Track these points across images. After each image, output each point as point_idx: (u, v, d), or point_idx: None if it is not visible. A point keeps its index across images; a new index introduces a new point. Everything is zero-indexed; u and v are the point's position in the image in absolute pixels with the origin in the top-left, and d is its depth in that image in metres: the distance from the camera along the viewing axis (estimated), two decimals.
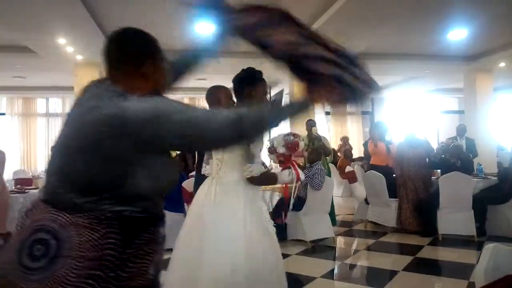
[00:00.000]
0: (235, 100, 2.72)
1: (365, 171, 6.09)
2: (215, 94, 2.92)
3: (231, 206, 1.98)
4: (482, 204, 4.98)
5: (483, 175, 5.68)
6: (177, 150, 1.10)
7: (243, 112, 1.12)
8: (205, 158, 2.34)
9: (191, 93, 11.29)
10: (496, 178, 5.37)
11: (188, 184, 4.37)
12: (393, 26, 5.74)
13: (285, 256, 4.37)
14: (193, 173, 6.97)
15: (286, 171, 2.20)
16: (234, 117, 1.09)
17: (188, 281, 1.94)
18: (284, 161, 2.31)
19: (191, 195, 4.29)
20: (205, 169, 2.31)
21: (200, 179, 2.41)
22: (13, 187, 5.08)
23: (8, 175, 9.57)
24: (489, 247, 1.22)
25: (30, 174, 9.13)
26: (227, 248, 1.89)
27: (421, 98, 12.64)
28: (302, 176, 2.29)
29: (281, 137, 2.33)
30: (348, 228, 5.69)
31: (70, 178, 1.06)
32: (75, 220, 1.02)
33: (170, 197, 4.63)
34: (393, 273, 3.69)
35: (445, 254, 4.45)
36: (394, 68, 8.76)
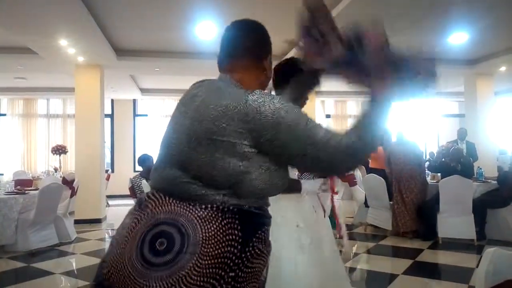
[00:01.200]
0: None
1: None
2: None
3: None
4: (482, 208, 4.98)
5: (483, 179, 5.68)
6: (293, 165, 1.16)
7: (354, 139, 1.06)
8: None
9: None
10: (496, 182, 5.36)
11: None
12: (394, 29, 5.75)
13: None
14: None
15: (319, 180, 2.00)
16: (350, 143, 1.04)
17: None
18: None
19: None
20: None
21: None
22: (13, 188, 5.08)
23: (8, 176, 9.60)
24: (489, 251, 1.22)
25: (30, 175, 9.11)
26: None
27: (422, 101, 12.62)
28: (339, 187, 2.10)
29: None
30: (348, 231, 5.69)
31: (192, 169, 1.03)
32: (200, 214, 0.99)
33: None
34: (393, 277, 3.68)
35: (445, 258, 4.44)
36: None
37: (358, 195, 6.73)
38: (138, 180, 5.18)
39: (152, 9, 5.23)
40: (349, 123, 8.74)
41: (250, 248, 1.02)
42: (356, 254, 4.66)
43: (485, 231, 5.02)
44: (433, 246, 4.81)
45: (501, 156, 9.00)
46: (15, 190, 4.97)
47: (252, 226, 1.04)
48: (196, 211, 0.99)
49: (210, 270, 0.95)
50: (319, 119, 12.27)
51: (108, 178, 8.46)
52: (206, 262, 0.95)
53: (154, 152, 6.15)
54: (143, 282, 0.92)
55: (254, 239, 1.03)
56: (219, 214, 1.00)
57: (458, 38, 6.55)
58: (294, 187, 1.96)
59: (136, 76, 9.15)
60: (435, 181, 5.57)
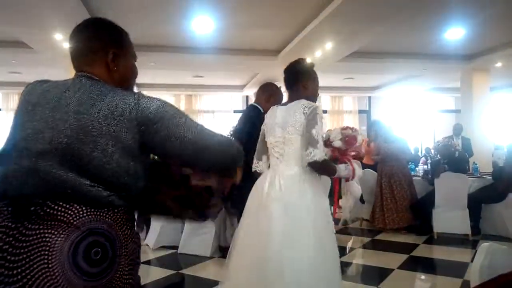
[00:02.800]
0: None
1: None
2: (268, 92, 2.91)
3: (297, 199, 1.93)
4: (477, 203, 5.01)
5: (478, 174, 5.71)
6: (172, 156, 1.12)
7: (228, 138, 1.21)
8: (256, 154, 2.26)
9: (187, 90, 11.27)
10: (491, 177, 5.39)
11: None
12: (391, 25, 5.74)
13: None
14: None
15: (343, 165, 2.09)
16: (222, 140, 1.17)
17: (259, 276, 1.89)
18: (340, 156, 2.18)
19: None
20: (257, 166, 2.23)
21: (250, 176, 2.31)
22: None
23: None
24: (484, 246, 1.23)
25: None
26: (296, 243, 1.85)
27: (418, 97, 12.67)
28: (359, 172, 2.15)
29: (338, 130, 2.24)
30: (343, 226, 5.71)
31: (93, 174, 1.00)
32: (112, 216, 1.00)
33: None
34: (388, 271, 3.70)
35: (440, 253, 4.47)
36: (392, 67, 8.76)
37: (354, 190, 6.74)
38: None
39: (148, 3, 5.20)
40: (345, 119, 8.84)
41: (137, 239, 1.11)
42: (351, 249, 4.69)
43: (480, 226, 5.06)
44: (428, 241, 4.84)
45: (496, 152, 9.03)
46: None
47: (133, 221, 1.10)
48: (113, 216, 1.01)
49: (133, 267, 1.03)
50: None
51: None
52: (128, 261, 1.02)
53: None
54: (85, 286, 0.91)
55: (135, 232, 1.10)
56: (123, 215, 1.04)
57: (455, 33, 6.56)
58: (330, 169, 2.03)
59: None
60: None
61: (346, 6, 4.94)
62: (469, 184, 5.09)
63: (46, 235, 0.90)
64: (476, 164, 6.06)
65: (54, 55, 7.00)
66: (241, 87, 11.28)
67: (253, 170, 2.25)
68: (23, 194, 0.95)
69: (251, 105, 2.92)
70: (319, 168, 1.95)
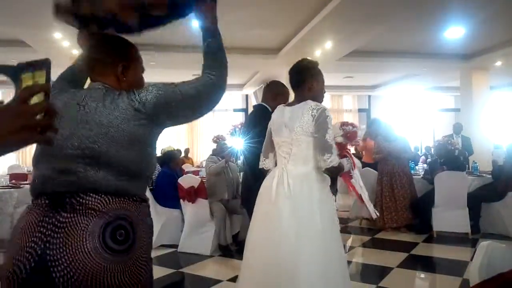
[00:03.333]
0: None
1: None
2: (274, 90, 2.92)
3: (306, 198, 1.95)
4: (476, 201, 5.01)
5: (478, 173, 5.71)
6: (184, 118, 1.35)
7: (207, 72, 1.33)
8: (263, 152, 2.27)
9: None
10: (490, 176, 5.40)
11: (184, 181, 4.37)
12: (391, 24, 5.74)
13: None
14: (190, 169, 6.96)
15: (345, 160, 2.16)
16: (206, 79, 1.31)
17: (272, 275, 1.91)
18: (341, 150, 2.22)
19: (187, 192, 4.30)
20: (264, 163, 2.25)
21: (258, 174, 2.33)
22: (8, 182, 5.06)
23: (3, 170, 9.55)
24: (483, 244, 1.23)
25: (26, 169, 9.07)
26: (304, 240, 1.87)
27: (418, 95, 12.67)
28: (358, 163, 2.33)
29: (338, 126, 2.31)
30: (343, 225, 5.71)
31: (116, 167, 1.17)
32: (130, 204, 1.19)
33: (167, 193, 4.63)
34: (387, 270, 3.71)
35: (439, 251, 4.48)
36: (392, 66, 8.77)
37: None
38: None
39: None
40: (345, 117, 8.85)
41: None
42: (351, 248, 4.69)
43: (479, 224, 5.07)
44: (428, 239, 4.85)
45: (496, 151, 9.04)
46: (10, 184, 4.95)
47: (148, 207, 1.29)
48: (135, 205, 1.20)
49: (149, 249, 1.23)
50: None
51: None
52: (146, 243, 1.21)
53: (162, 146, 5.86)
54: (112, 262, 1.10)
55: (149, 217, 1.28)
56: (140, 203, 1.23)
57: (454, 32, 6.56)
58: (340, 169, 2.08)
59: None
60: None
61: (346, 5, 4.94)
62: (468, 183, 5.10)
63: (80, 220, 1.10)
64: (475, 163, 6.06)
65: (54, 54, 6.99)
66: (241, 85, 11.28)
67: (260, 167, 2.26)
68: (58, 192, 1.14)
69: (259, 104, 2.91)
70: (335, 172, 2.04)
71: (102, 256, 1.08)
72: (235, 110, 12.34)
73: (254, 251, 2.02)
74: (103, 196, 1.14)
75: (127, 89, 1.28)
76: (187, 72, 9.30)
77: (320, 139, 1.95)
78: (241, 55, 7.50)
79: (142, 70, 1.43)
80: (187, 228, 4.44)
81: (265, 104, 2.86)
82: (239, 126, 6.25)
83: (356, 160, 2.28)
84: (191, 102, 1.28)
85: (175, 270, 3.83)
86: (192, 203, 4.30)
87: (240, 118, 12.11)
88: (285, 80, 7.32)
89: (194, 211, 4.36)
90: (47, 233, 1.08)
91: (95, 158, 1.16)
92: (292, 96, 2.25)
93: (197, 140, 12.04)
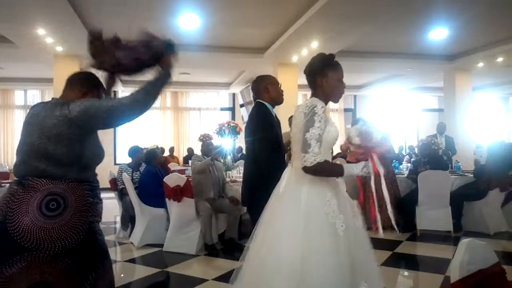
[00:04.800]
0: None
1: None
2: (262, 83, 2.86)
3: (293, 198, 1.88)
4: (459, 200, 5.11)
5: (461, 172, 5.82)
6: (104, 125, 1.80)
7: (137, 93, 1.74)
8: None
9: (174, 88, 11.17)
10: (472, 175, 5.50)
11: (169, 180, 4.34)
12: (376, 24, 5.80)
13: None
14: (177, 168, 6.92)
15: (361, 163, 1.95)
16: (133, 98, 1.72)
17: (256, 273, 1.89)
18: (364, 153, 1.99)
19: (173, 191, 4.27)
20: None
21: (265, 173, 2.35)
22: None
23: None
24: (464, 242, 1.25)
25: (7, 167, 8.89)
26: (284, 243, 1.81)
27: (402, 96, 12.83)
28: (381, 170, 1.96)
29: (355, 127, 2.05)
30: None
31: (55, 158, 1.66)
32: (66, 184, 1.67)
33: (152, 192, 4.59)
34: None
35: (423, 249, 4.55)
36: (377, 66, 8.85)
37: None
38: (124, 170, 5.12)
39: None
40: (330, 117, 8.80)
41: (95, 199, 1.78)
42: None
43: (462, 223, 5.17)
44: (411, 237, 4.92)
45: (478, 150, 9.22)
46: None
47: (94, 188, 1.79)
48: (65, 185, 1.67)
49: (83, 215, 1.68)
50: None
51: None
52: (79, 211, 1.67)
53: (138, 144, 6.01)
54: (44, 225, 1.59)
55: (97, 193, 1.80)
56: (77, 184, 1.70)
57: (438, 33, 6.66)
58: (337, 171, 1.95)
59: None
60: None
61: (332, 5, 4.97)
62: (451, 182, 5.19)
63: (27, 195, 1.63)
64: (458, 162, 6.17)
65: (37, 51, 6.87)
66: (228, 84, 11.25)
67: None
68: (20, 175, 1.69)
69: (257, 101, 2.85)
70: (312, 173, 1.87)
71: (38, 218, 1.59)
72: (222, 109, 12.30)
73: (251, 247, 2.02)
74: (42, 179, 1.65)
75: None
76: (174, 71, 9.27)
77: (302, 137, 1.88)
78: (227, 54, 7.49)
79: (101, 95, 1.89)
80: (172, 227, 4.41)
81: (260, 101, 2.81)
82: (226, 125, 6.23)
83: (380, 167, 1.98)
84: (106, 115, 1.68)
85: (160, 270, 3.81)
86: (178, 202, 4.28)
87: (227, 117, 12.08)
88: None
89: (180, 210, 4.34)
90: (10, 201, 1.63)
91: (39, 153, 1.65)
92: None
93: (184, 139, 11.96)
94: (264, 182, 2.29)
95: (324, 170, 1.91)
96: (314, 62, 2.07)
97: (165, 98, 11.58)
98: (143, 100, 1.75)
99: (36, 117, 1.70)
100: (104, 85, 1.94)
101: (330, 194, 1.90)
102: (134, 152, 5.31)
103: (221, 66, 8.83)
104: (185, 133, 11.94)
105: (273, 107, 2.81)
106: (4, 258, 1.55)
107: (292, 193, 1.92)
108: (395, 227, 2.26)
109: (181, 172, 5.67)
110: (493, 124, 13.28)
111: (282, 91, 2.89)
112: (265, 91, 2.79)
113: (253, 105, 2.87)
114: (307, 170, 1.86)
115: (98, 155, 1.82)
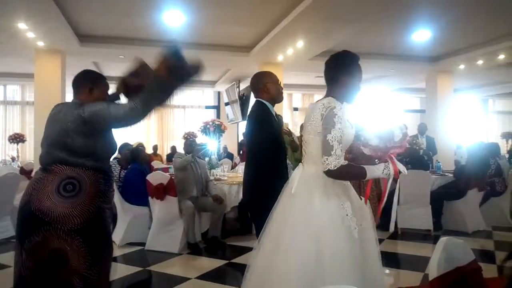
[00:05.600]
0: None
1: None
2: (261, 81, 2.76)
3: (304, 199, 1.85)
4: (439, 199, 5.21)
5: (441, 172, 5.93)
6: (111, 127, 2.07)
7: (136, 102, 1.89)
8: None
9: None
10: (452, 175, 5.61)
11: (152, 178, 4.30)
12: (361, 25, 5.86)
13: (249, 249, 4.39)
14: (161, 166, 6.85)
15: (382, 165, 1.91)
16: (132, 106, 1.88)
17: (265, 270, 1.85)
18: (382, 154, 1.95)
19: (156, 189, 4.24)
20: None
21: (266, 173, 2.33)
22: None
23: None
24: (442, 240, 1.28)
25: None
26: (298, 246, 1.77)
27: (386, 96, 13.01)
28: (403, 169, 1.96)
29: (372, 129, 2.02)
30: None
31: (70, 150, 1.92)
32: (82, 171, 1.92)
33: (135, 190, 4.55)
34: None
35: (403, 248, 4.62)
36: (362, 67, 8.92)
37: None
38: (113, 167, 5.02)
39: None
40: None
41: (108, 188, 2.04)
42: None
43: (442, 221, 5.27)
44: (392, 236, 4.99)
45: (458, 151, 9.42)
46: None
47: (108, 176, 2.05)
48: (82, 171, 1.92)
49: (94, 199, 1.93)
50: (286, 111, 12.36)
51: None
52: (92, 196, 1.92)
53: (121, 140, 5.93)
54: (61, 204, 1.85)
55: (109, 182, 2.06)
56: (93, 172, 1.95)
57: (421, 35, 6.77)
58: (361, 174, 1.90)
59: (99, 63, 8.85)
60: None
61: (317, 5, 5.00)
62: (431, 182, 5.28)
63: (49, 178, 1.90)
64: (439, 162, 6.29)
65: (18, 45, 6.71)
66: (213, 82, 11.21)
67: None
68: (44, 163, 1.96)
69: (259, 102, 2.74)
70: (336, 176, 1.84)
71: (56, 198, 1.85)
72: (207, 107, 12.26)
73: (260, 246, 1.96)
74: (62, 165, 1.92)
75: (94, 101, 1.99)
76: None
77: (322, 139, 1.82)
78: (213, 51, 7.46)
79: (104, 93, 2.14)
80: (155, 225, 4.37)
81: (260, 99, 2.74)
82: (210, 123, 6.21)
83: (402, 168, 1.97)
84: (113, 121, 1.94)
85: (142, 268, 3.77)
86: (161, 200, 4.24)
87: (212, 115, 12.04)
88: None
89: (163, 209, 4.30)
90: (35, 184, 1.92)
91: (60, 144, 1.93)
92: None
93: (168, 137, 11.87)
94: (265, 182, 2.26)
95: (349, 173, 1.89)
96: (343, 58, 2.01)
97: None
98: (142, 111, 1.91)
99: (58, 114, 1.98)
100: (116, 90, 2.20)
101: (344, 198, 1.88)
102: (122, 148, 5.23)
103: (206, 64, 8.63)
104: (169, 131, 11.85)
105: (273, 105, 2.75)
106: (29, 231, 1.85)
107: (305, 196, 1.86)
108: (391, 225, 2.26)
109: (165, 170, 5.62)
110: (473, 125, 13.59)
111: (282, 88, 2.83)
112: (265, 89, 2.71)
113: (253, 104, 2.80)
114: (331, 173, 1.81)
115: (110, 149, 2.09)
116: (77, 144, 1.90)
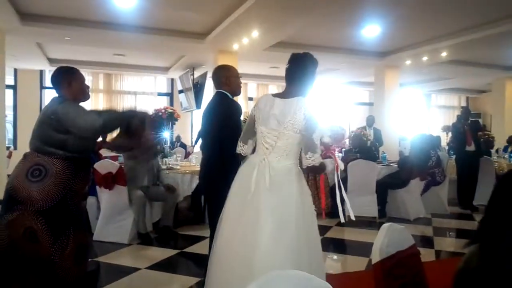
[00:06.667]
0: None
1: None
2: (224, 74, 2.86)
3: (286, 191, 1.99)
4: (384, 188, 5.49)
5: (386, 163, 6.23)
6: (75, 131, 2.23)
7: (103, 117, 2.19)
8: (242, 136, 2.28)
9: (108, 69, 10.61)
10: (397, 165, 5.92)
11: (100, 166, 4.14)
12: (313, 17, 5.95)
13: (202, 238, 4.39)
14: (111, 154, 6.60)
15: (328, 160, 2.20)
16: (97, 120, 2.16)
17: (244, 263, 1.91)
18: (325, 151, 2.27)
19: (104, 178, 4.09)
20: (242, 149, 2.26)
21: (234, 159, 2.36)
22: None
23: None
24: (384, 226, 1.35)
25: None
26: (282, 234, 1.90)
27: (337, 89, 13.37)
28: (341, 165, 2.33)
29: (326, 127, 2.37)
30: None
31: (45, 140, 2.20)
32: (51, 160, 2.17)
33: None
34: None
35: (350, 234, 4.83)
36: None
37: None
38: None
39: None
40: None
41: (78, 179, 2.25)
42: None
43: (386, 209, 5.56)
44: (340, 223, 5.18)
45: (403, 142, 9.92)
46: None
47: (78, 166, 2.26)
48: (51, 159, 2.17)
49: (60, 186, 2.17)
50: (241, 101, 12.35)
51: (9, 156, 7.67)
52: (58, 182, 2.16)
53: None
54: (28, 188, 2.12)
55: (80, 173, 2.27)
56: (62, 160, 2.19)
57: (371, 30, 7.00)
58: (322, 168, 2.17)
59: (43, 44, 8.31)
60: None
61: (256, 9, 5.01)
62: (378, 171, 5.55)
63: (23, 164, 2.19)
64: (384, 153, 6.60)
65: None
66: (166, 69, 10.92)
67: (237, 151, 2.27)
68: (31, 151, 2.24)
69: (221, 93, 2.83)
70: (315, 171, 2.11)
71: (25, 181, 2.12)
72: (159, 94, 11.94)
73: (228, 241, 2.02)
74: (35, 153, 2.19)
75: (73, 97, 2.30)
76: (107, 51, 8.80)
77: (307, 138, 2.02)
78: (166, 37, 7.25)
79: (82, 85, 2.38)
80: (103, 216, 4.23)
81: (222, 90, 2.84)
82: (163, 111, 6.07)
83: (341, 164, 2.34)
84: (78, 129, 2.17)
85: (90, 260, 3.64)
86: (110, 190, 4.11)
87: (165, 102, 11.75)
88: (212, 65, 7.37)
89: (112, 199, 4.17)
90: (15, 169, 2.21)
91: (38, 134, 2.21)
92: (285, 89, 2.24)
93: None
94: (226, 172, 2.32)
95: (323, 168, 2.17)
96: (311, 60, 2.25)
97: (97, 80, 10.96)
98: (101, 132, 2.31)
99: (45, 109, 2.26)
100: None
101: (308, 186, 2.16)
102: None
103: (159, 50, 8.52)
104: None
105: (233, 97, 2.87)
106: (8, 208, 2.13)
107: (284, 187, 2.00)
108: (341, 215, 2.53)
109: (114, 158, 5.43)
110: (417, 119, 14.35)
111: (241, 83, 2.98)
112: (227, 82, 2.83)
113: (214, 94, 2.90)
114: (313, 168, 2.06)
115: (82, 143, 2.25)
116: (51, 136, 2.16)
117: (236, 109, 2.74)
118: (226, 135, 2.57)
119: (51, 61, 9.54)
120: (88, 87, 2.44)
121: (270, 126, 2.07)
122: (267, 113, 2.10)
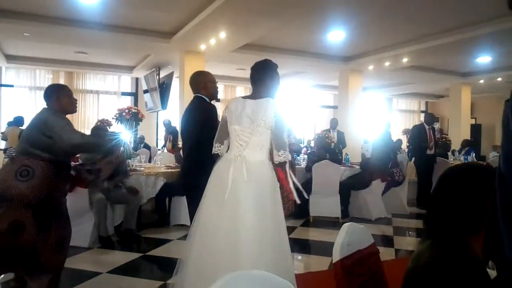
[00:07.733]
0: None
1: None
2: (201, 80, 3.04)
3: (262, 182, 2.16)
4: (347, 189, 5.63)
5: (349, 164, 6.39)
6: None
7: (86, 140, 2.64)
8: (217, 137, 2.41)
9: (69, 67, 10.25)
10: (359, 167, 6.09)
11: None
12: (280, 21, 6.01)
13: (167, 241, 4.33)
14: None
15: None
16: (77, 138, 2.50)
17: (228, 255, 2.03)
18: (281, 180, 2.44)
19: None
20: (219, 149, 2.39)
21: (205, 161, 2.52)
22: None
23: None
24: (345, 226, 1.39)
25: None
26: (258, 223, 2.06)
27: (303, 92, 13.57)
28: (294, 194, 2.52)
29: (292, 128, 2.57)
30: None
31: (32, 143, 2.46)
32: (37, 162, 2.42)
33: None
34: None
35: (314, 234, 4.92)
36: (281, 62, 8.98)
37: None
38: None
39: None
40: None
41: (60, 179, 2.53)
42: None
43: (349, 209, 5.71)
44: (305, 224, 5.28)
45: (365, 145, 10.19)
46: None
47: (59, 168, 2.52)
48: (37, 161, 2.43)
49: (46, 184, 2.43)
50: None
51: None
52: (43, 181, 2.42)
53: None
54: (17, 186, 2.36)
55: (62, 173, 2.55)
56: (47, 162, 2.44)
57: (336, 35, 7.17)
58: (291, 165, 2.34)
59: (0, 40, 7.93)
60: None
61: (222, 10, 5.03)
62: (341, 173, 5.68)
63: (11, 165, 2.46)
64: (347, 155, 6.77)
65: None
66: (131, 68, 10.68)
67: (214, 152, 2.41)
68: (16, 153, 2.58)
69: (200, 97, 3.02)
70: (284, 166, 2.26)
71: (14, 181, 2.36)
72: (123, 94, 11.66)
73: (206, 234, 2.14)
74: (23, 156, 2.45)
75: (62, 110, 2.62)
76: (69, 49, 8.49)
77: (278, 136, 2.20)
78: (131, 35, 7.10)
79: (70, 99, 2.71)
80: None
81: (200, 95, 3.02)
82: (126, 111, 5.92)
83: (293, 190, 2.53)
84: (63, 143, 2.45)
85: None
86: (69, 192, 3.96)
87: (129, 102, 11.49)
88: (178, 65, 7.35)
89: (71, 201, 4.00)
90: (1, 170, 2.59)
91: (26, 139, 2.48)
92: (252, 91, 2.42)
93: (79, 124, 11.07)
94: (205, 170, 2.47)
95: (292, 165, 2.41)
96: (269, 65, 2.41)
97: (58, 78, 10.56)
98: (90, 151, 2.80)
99: (37, 115, 2.56)
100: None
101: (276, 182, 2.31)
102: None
103: (123, 48, 8.32)
104: (81, 118, 11.06)
105: (210, 101, 3.06)
106: None
107: (261, 179, 2.17)
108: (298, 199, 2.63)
109: (74, 160, 5.26)
110: (378, 122, 14.82)
111: (217, 87, 3.17)
112: (204, 87, 3.01)
113: (193, 98, 3.08)
114: (283, 164, 2.23)
115: (65, 149, 2.49)
116: (38, 141, 2.44)
117: (214, 111, 2.93)
118: (205, 136, 2.70)
119: (8, 57, 9.11)
120: (76, 100, 2.77)
121: (244, 125, 2.25)
122: (240, 114, 2.28)
